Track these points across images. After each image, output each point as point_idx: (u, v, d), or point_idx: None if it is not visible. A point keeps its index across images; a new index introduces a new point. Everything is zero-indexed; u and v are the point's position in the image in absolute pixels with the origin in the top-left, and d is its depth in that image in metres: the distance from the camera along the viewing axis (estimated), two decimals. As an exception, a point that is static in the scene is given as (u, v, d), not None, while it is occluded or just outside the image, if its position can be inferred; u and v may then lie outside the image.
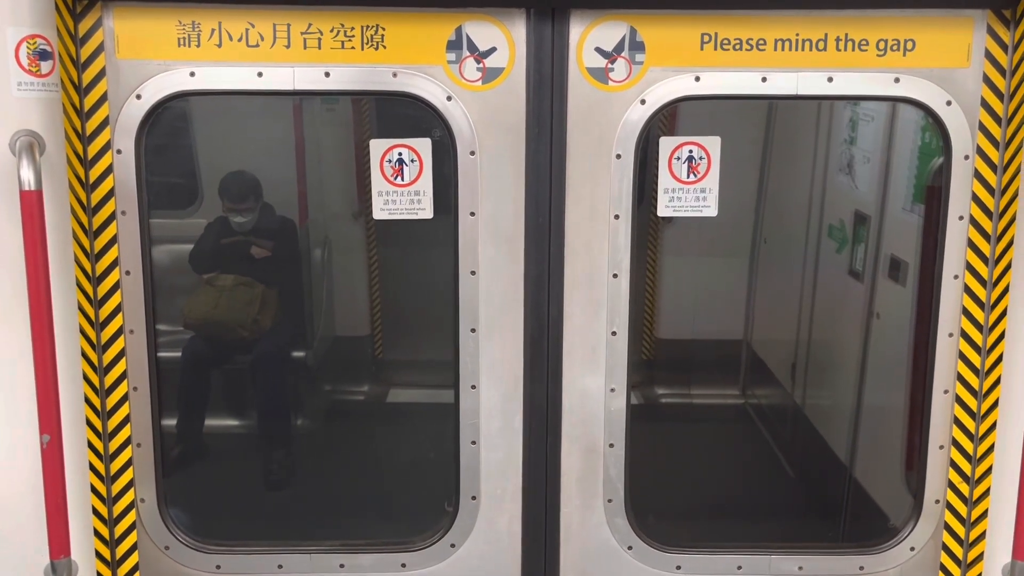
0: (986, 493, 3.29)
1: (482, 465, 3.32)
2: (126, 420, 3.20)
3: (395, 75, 3.04)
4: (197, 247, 4.89)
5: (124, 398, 3.18)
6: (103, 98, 3.00)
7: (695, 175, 3.19)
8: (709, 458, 5.01)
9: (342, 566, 3.40)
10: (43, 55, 2.94)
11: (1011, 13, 3.01)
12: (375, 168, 3.17)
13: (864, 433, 4.46)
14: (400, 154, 3.17)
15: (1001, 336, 3.19)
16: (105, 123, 3.01)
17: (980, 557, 3.34)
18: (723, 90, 3.08)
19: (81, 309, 3.09)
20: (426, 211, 3.21)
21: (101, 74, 2.99)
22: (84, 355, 3.11)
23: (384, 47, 3.02)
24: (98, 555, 3.25)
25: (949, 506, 3.34)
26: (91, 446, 3.17)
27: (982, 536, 3.33)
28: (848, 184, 4.71)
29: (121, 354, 3.15)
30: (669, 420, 5.53)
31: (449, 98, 3.06)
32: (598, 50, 3.05)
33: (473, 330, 3.23)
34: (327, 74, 3.03)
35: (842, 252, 4.71)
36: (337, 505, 4.39)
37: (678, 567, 3.41)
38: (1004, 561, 3.30)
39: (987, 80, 3.06)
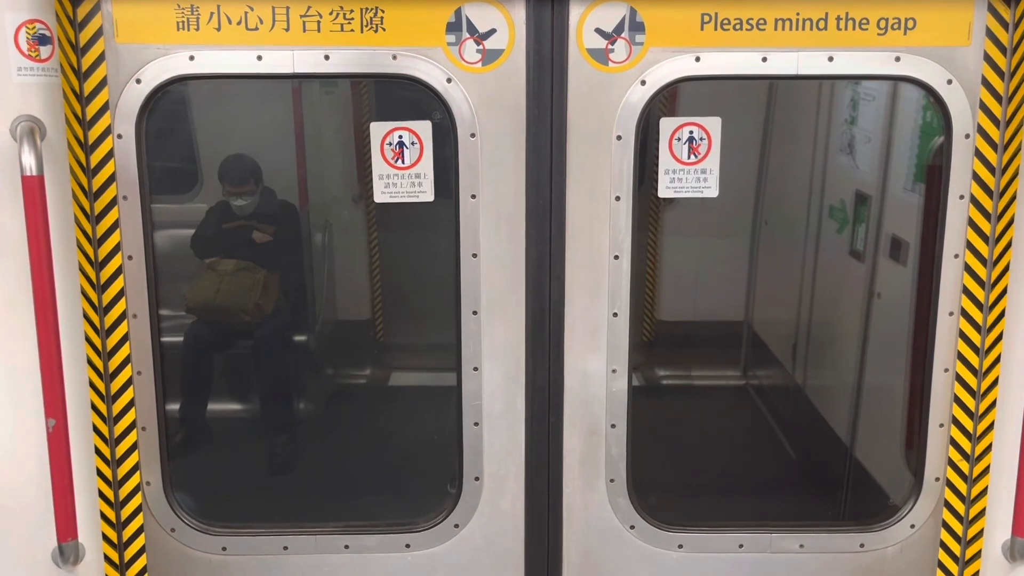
0: (986, 471, 3.31)
1: (485, 446, 3.34)
2: (131, 404, 3.21)
3: (395, 58, 3.04)
4: (198, 232, 4.89)
5: (128, 382, 3.20)
6: (103, 83, 2.99)
7: (696, 156, 3.19)
8: (710, 438, 5.03)
9: (347, 547, 3.42)
10: (42, 40, 2.94)
11: (1012, -9, 3.00)
12: (375, 151, 3.17)
13: (865, 412, 4.47)
14: (400, 137, 3.16)
15: (1001, 315, 3.20)
16: (105, 108, 3.01)
17: (980, 534, 3.36)
18: (723, 70, 3.07)
19: (84, 294, 3.10)
20: (427, 194, 3.21)
21: (100, 58, 2.98)
22: (88, 340, 3.12)
23: (383, 29, 3.01)
24: (105, 538, 3.27)
25: (949, 484, 3.35)
26: (96, 430, 3.19)
27: (982, 513, 3.35)
28: (849, 164, 4.70)
29: (125, 339, 3.17)
30: (670, 401, 5.54)
31: (449, 80, 3.06)
32: (598, 31, 3.04)
33: (475, 312, 3.24)
34: (327, 57, 3.03)
35: (843, 232, 4.71)
36: (341, 487, 4.42)
37: (680, 546, 3.44)
38: (1004, 538, 3.33)
39: (988, 58, 3.05)
